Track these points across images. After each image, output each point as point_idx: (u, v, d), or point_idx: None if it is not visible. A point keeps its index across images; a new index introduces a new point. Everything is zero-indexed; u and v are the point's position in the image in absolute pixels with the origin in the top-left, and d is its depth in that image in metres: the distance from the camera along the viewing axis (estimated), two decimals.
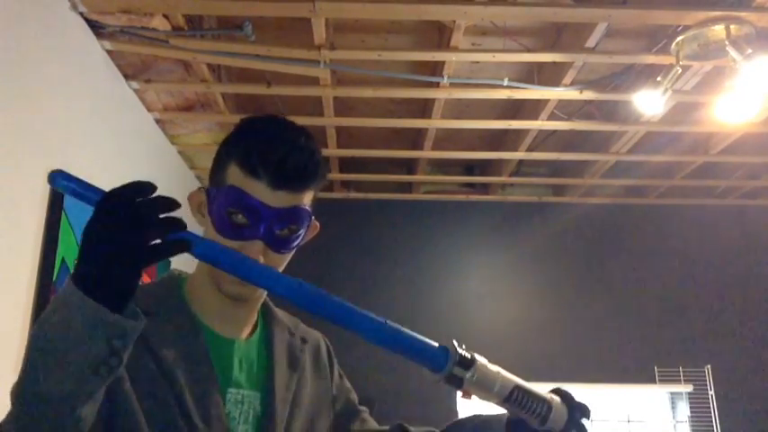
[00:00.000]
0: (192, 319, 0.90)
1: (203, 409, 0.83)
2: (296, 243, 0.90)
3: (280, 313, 1.02)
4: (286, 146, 0.86)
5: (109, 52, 2.65)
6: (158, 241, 0.66)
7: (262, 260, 0.85)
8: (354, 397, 1.08)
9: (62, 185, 0.70)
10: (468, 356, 0.80)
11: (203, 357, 0.87)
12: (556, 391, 0.86)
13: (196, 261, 0.83)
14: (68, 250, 2.26)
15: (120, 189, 0.65)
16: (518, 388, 0.80)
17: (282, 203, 0.85)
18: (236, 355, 0.91)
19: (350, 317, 0.76)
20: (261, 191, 0.85)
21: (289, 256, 0.91)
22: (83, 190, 0.70)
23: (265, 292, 0.96)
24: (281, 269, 0.89)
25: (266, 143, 0.86)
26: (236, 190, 0.85)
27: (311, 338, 1.05)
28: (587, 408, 0.85)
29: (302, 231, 0.90)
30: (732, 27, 2.32)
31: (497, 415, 0.91)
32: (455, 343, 0.80)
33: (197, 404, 0.83)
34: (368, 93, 3.03)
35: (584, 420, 0.84)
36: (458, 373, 0.79)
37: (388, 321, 0.77)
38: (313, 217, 0.92)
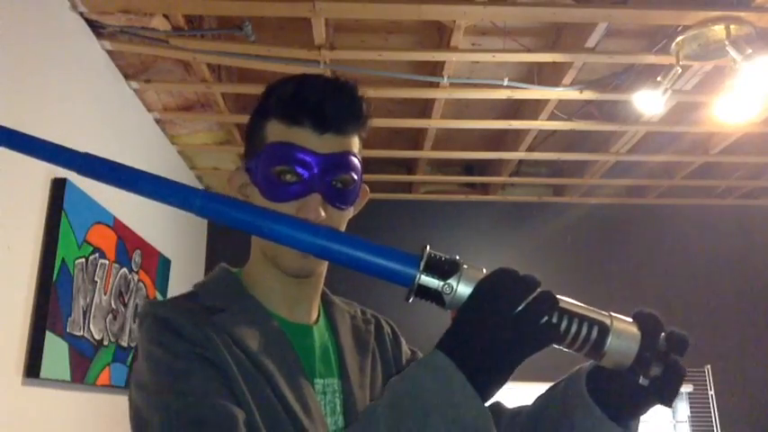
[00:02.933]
0: (262, 309, 0.83)
1: (301, 401, 0.77)
2: (354, 198, 0.82)
3: (336, 298, 0.96)
4: (323, 86, 0.79)
5: (109, 52, 2.65)
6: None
7: (323, 215, 0.77)
8: None
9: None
10: (444, 259, 0.63)
11: (287, 347, 0.81)
12: (636, 315, 0.67)
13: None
14: (68, 250, 2.26)
15: (527, 281, 0.62)
16: None
17: (331, 149, 0.78)
18: (316, 344, 0.85)
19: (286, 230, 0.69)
20: (306, 138, 0.77)
21: (348, 215, 0.83)
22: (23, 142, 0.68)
23: (325, 269, 0.89)
24: (342, 229, 0.82)
25: (301, 86, 0.79)
26: (278, 145, 0.78)
27: (373, 319, 0.97)
28: (682, 338, 0.64)
29: (357, 184, 0.82)
30: (732, 27, 2.32)
31: (575, 371, 0.76)
32: (428, 247, 0.65)
33: (294, 397, 0.76)
34: (368, 93, 3.00)
35: (671, 357, 0.62)
36: (430, 285, 0.63)
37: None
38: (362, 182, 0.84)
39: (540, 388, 0.80)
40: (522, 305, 0.61)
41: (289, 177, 0.78)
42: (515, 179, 4.19)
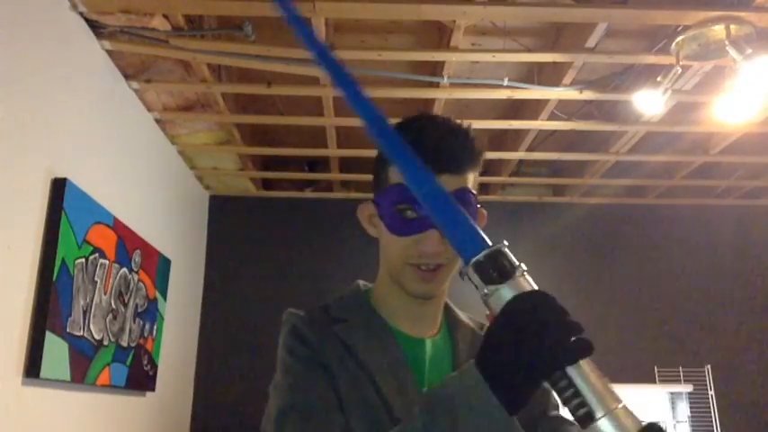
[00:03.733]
0: (382, 323, 0.93)
1: (406, 407, 0.84)
2: None
3: (461, 314, 1.03)
4: (440, 130, 0.87)
5: (109, 52, 2.65)
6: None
7: (441, 248, 0.85)
8: (550, 398, 0.97)
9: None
10: (508, 265, 0.63)
11: (399, 358, 0.90)
12: (647, 426, 0.59)
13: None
14: (68, 250, 2.26)
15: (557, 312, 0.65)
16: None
17: (447, 188, 0.81)
18: (427, 355, 0.92)
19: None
20: None
21: None
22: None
23: (447, 290, 0.96)
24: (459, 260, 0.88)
25: (420, 132, 0.86)
26: (400, 186, 0.86)
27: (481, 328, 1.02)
28: None
29: (473, 215, 0.89)
30: (732, 27, 2.32)
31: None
32: (505, 244, 0.65)
33: (400, 402, 0.85)
34: (368, 93, 3.02)
35: None
36: (474, 280, 0.64)
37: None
38: (479, 206, 0.92)
39: None
40: (552, 340, 0.63)
41: (409, 214, 0.87)
42: (515, 179, 4.19)
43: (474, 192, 0.90)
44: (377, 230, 0.94)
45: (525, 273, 0.65)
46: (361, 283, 1.02)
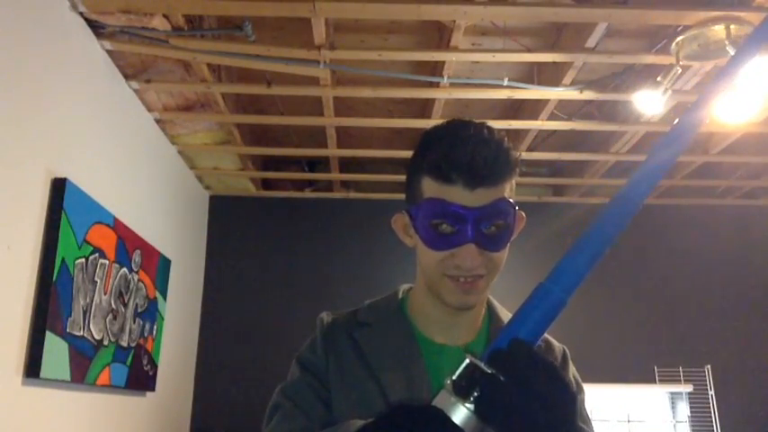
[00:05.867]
0: (407, 328, 0.94)
1: None
2: (508, 238, 0.88)
3: (506, 314, 0.99)
4: (472, 143, 0.84)
5: (109, 52, 2.65)
6: None
7: (479, 261, 0.84)
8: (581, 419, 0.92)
9: None
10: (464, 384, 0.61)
11: (416, 363, 0.89)
12: None
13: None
14: (68, 250, 2.26)
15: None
16: None
17: (483, 201, 0.84)
18: (446, 361, 0.90)
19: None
20: (458, 194, 0.83)
21: (505, 253, 0.89)
22: None
23: (485, 299, 0.96)
24: (500, 267, 0.88)
25: (451, 146, 0.84)
26: (434, 201, 0.85)
27: (543, 343, 0.99)
28: None
29: (510, 224, 0.88)
30: (732, 27, 2.32)
31: None
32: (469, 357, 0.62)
33: None
34: (368, 93, 3.03)
35: None
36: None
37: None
38: (518, 207, 0.90)
39: None
40: None
41: (445, 228, 0.85)
42: (515, 179, 4.19)
43: (511, 200, 0.88)
44: (413, 240, 0.92)
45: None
46: (402, 287, 1.02)
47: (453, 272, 0.85)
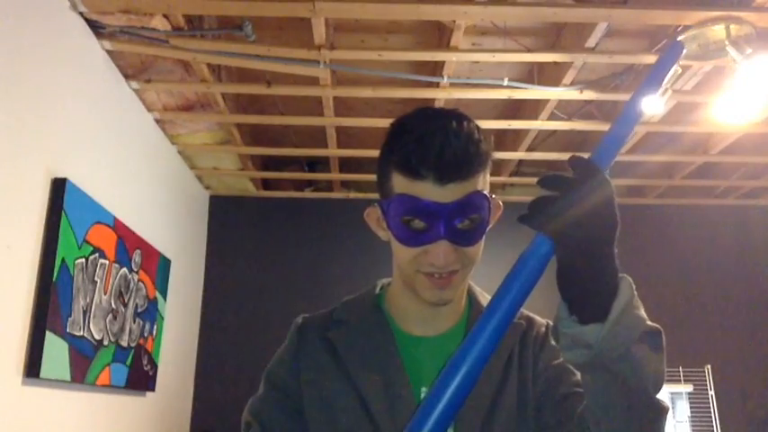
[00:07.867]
0: (382, 322, 0.93)
1: (393, 410, 0.84)
2: (483, 231, 0.85)
3: (486, 299, 0.95)
4: (440, 137, 0.80)
5: (109, 52, 2.65)
6: None
7: (452, 258, 0.82)
8: (561, 384, 0.89)
9: None
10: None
11: (392, 358, 0.89)
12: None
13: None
14: (68, 250, 2.26)
15: None
16: None
17: (455, 196, 0.81)
18: (425, 353, 0.90)
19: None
20: (429, 190, 0.80)
21: (480, 246, 0.86)
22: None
23: (464, 292, 0.94)
24: (476, 260, 0.86)
25: (419, 141, 0.81)
26: (404, 197, 0.82)
27: (524, 323, 0.95)
28: None
29: (484, 217, 0.84)
30: (732, 27, 2.32)
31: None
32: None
33: (385, 406, 0.85)
34: (368, 93, 3.03)
35: None
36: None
37: None
38: (493, 196, 0.86)
39: None
40: None
41: (417, 224, 0.82)
42: (515, 179, 4.19)
43: (485, 192, 0.84)
44: (387, 234, 0.89)
45: None
46: (381, 282, 1.00)
47: (427, 268, 0.83)
